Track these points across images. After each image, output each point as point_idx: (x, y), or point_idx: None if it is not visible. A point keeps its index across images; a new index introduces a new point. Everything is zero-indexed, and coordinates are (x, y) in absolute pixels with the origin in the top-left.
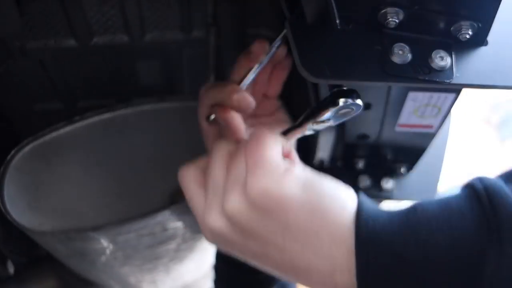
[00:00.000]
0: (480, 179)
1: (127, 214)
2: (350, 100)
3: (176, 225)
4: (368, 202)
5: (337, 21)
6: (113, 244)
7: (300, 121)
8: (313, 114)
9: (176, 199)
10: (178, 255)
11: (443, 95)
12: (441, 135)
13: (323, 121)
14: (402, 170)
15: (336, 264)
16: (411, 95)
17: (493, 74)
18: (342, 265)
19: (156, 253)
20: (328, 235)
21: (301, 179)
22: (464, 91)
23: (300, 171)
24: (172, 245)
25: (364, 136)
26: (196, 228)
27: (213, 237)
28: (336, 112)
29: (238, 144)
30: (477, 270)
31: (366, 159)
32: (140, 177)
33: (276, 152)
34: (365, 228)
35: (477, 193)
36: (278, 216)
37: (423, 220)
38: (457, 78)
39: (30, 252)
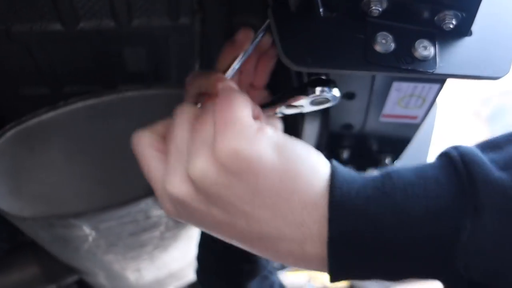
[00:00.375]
0: (456, 147)
1: (110, 201)
2: (326, 89)
3: (159, 213)
4: (342, 167)
5: (321, 9)
6: (95, 231)
7: (271, 101)
8: (287, 98)
9: None
10: (162, 243)
11: (427, 85)
12: (426, 126)
13: (296, 106)
14: (387, 160)
15: (306, 232)
16: (395, 85)
17: (477, 64)
18: (313, 233)
19: (140, 241)
20: (299, 200)
21: (273, 140)
22: (453, 83)
23: (272, 132)
24: (156, 233)
25: (348, 126)
26: None
27: (173, 206)
28: (311, 100)
29: (204, 108)
30: (452, 238)
31: (351, 149)
32: (124, 164)
33: (247, 112)
34: (339, 193)
35: (453, 160)
36: (247, 180)
37: (398, 186)
38: (440, 68)
39: (13, 239)
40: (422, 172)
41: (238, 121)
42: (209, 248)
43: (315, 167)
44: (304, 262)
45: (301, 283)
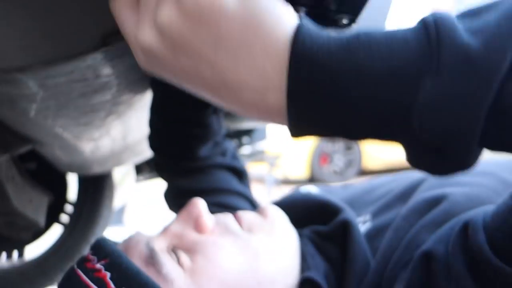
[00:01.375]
0: (433, 14)
1: (56, 57)
2: None
3: (110, 72)
4: (310, 24)
5: None
6: (43, 89)
7: None
8: None
9: (108, 42)
10: (116, 109)
11: None
12: None
13: None
14: (344, 21)
15: (268, 80)
16: None
17: None
18: (275, 82)
19: (91, 105)
20: (261, 48)
21: None
22: None
23: None
24: (107, 96)
25: None
26: (131, 78)
27: (145, 56)
28: None
29: None
30: (411, 98)
31: (307, 8)
32: (70, 16)
33: None
34: (302, 44)
35: (426, 24)
36: (210, 26)
37: (363, 45)
38: None
39: None
40: (392, 34)
41: None
42: (160, 112)
43: (280, 17)
44: (267, 114)
45: (261, 174)
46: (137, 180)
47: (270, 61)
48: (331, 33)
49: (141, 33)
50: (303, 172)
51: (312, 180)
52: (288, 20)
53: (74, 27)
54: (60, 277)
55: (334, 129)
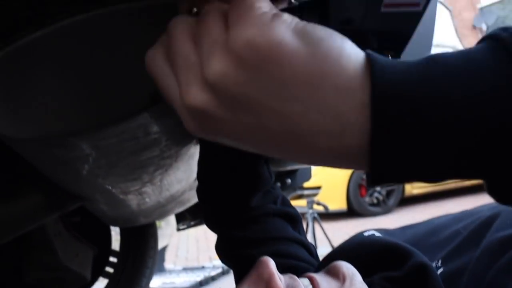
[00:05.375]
0: (503, 29)
1: (108, 120)
2: None
3: (159, 128)
4: (376, 53)
5: None
6: (95, 150)
7: None
8: None
9: (157, 100)
10: (163, 163)
11: None
12: (427, 18)
13: None
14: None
15: (344, 121)
16: None
17: None
18: (351, 122)
19: (140, 161)
20: (332, 86)
21: (292, 24)
22: None
23: (290, 17)
24: (156, 152)
25: (349, 21)
26: (179, 132)
27: (196, 120)
28: None
29: (201, 14)
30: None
31: None
32: (119, 79)
33: (264, 2)
34: (382, 77)
35: (503, 42)
36: (270, 70)
37: (445, 71)
38: None
39: (14, 169)
40: (469, 56)
41: (251, 10)
42: (209, 164)
43: (344, 49)
44: (344, 157)
45: (302, 209)
46: (178, 229)
47: (344, 100)
48: (402, 62)
49: (189, 94)
50: (342, 205)
51: (352, 212)
52: (352, 49)
53: (124, 90)
54: None
55: (417, 170)
